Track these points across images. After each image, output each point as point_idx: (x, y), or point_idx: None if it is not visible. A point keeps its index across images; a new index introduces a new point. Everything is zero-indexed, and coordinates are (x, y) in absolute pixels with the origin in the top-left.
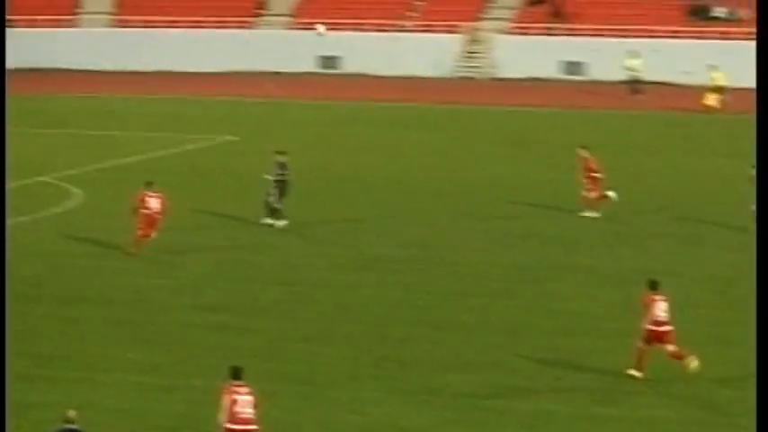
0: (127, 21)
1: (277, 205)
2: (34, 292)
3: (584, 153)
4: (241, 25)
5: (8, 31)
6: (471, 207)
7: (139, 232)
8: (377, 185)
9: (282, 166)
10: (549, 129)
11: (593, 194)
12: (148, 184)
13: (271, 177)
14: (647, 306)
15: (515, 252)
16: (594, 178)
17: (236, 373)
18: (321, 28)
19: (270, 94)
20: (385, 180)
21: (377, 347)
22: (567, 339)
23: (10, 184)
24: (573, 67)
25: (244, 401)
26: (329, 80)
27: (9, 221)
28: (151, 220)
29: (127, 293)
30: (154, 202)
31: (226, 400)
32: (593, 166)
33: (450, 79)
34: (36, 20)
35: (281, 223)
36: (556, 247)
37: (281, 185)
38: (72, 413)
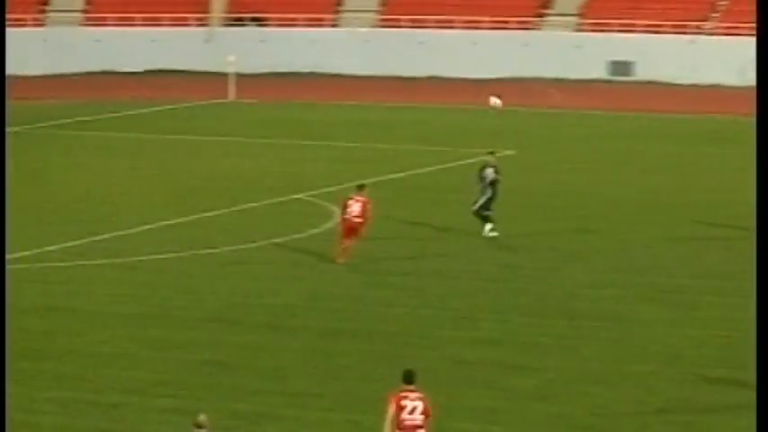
0: (394, 20)
1: (486, 212)
2: (289, 324)
3: None
4: (522, 26)
5: (259, 30)
6: None
7: (340, 239)
8: (668, 208)
9: (491, 166)
10: None
11: None
12: (360, 187)
13: (488, 179)
14: None
15: None
16: None
17: (408, 377)
18: (495, 100)
19: (553, 103)
20: (678, 203)
21: (667, 390)
22: None
23: (262, 202)
24: None
25: (412, 407)
26: (620, 88)
27: (260, 243)
28: (350, 226)
29: (390, 325)
30: (356, 207)
31: (392, 407)
32: None
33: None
34: (294, 19)
35: (489, 228)
36: None
37: (493, 189)
38: (203, 417)
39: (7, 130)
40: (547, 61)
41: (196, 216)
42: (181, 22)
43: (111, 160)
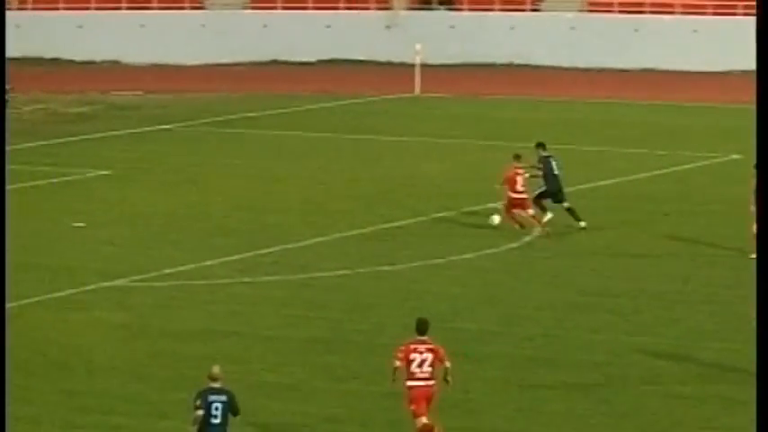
0: (605, 4)
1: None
2: (480, 351)
3: None
4: (752, 11)
5: (449, 15)
6: None
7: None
8: None
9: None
10: None
11: None
12: (517, 158)
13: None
14: None
15: None
16: None
17: (421, 327)
18: (495, 218)
19: None
20: None
21: None
22: None
23: (452, 212)
24: None
25: (421, 360)
26: None
27: (449, 259)
28: (516, 203)
29: (596, 354)
30: (520, 180)
31: (398, 360)
32: None
33: None
34: (489, 2)
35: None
36: None
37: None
38: (216, 369)
39: (128, 131)
40: None
41: (376, 227)
42: (360, 5)
43: (280, 163)
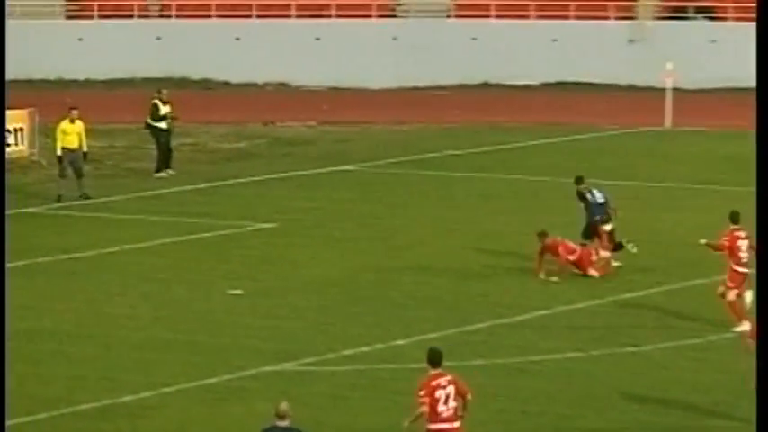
0: None
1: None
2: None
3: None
4: None
5: (710, 26)
6: None
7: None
8: None
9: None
10: None
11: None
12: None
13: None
14: None
15: None
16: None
17: (434, 359)
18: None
19: None
20: None
21: None
22: None
23: (714, 278)
24: None
25: (446, 396)
26: None
27: (707, 339)
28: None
29: None
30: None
31: (426, 405)
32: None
33: None
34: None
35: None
36: None
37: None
38: (284, 405)
39: (308, 171)
40: None
41: (614, 297)
42: (596, 14)
43: (491, 214)
